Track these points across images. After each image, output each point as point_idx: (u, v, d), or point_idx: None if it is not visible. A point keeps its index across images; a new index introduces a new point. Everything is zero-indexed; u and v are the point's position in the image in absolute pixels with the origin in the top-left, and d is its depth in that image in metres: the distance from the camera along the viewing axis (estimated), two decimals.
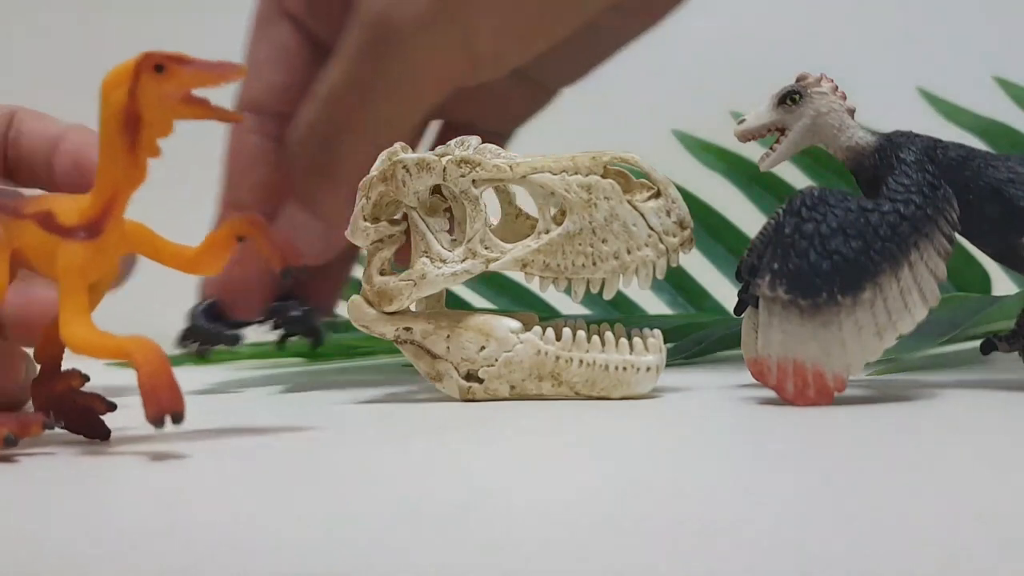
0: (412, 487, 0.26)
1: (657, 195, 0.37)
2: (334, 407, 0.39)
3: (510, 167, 0.37)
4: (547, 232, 0.37)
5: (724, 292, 0.62)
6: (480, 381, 0.38)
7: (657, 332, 0.38)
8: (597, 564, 0.19)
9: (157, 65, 0.29)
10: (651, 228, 0.37)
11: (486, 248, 0.37)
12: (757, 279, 0.35)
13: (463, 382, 0.38)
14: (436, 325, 0.38)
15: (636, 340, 0.37)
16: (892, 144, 0.35)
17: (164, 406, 0.28)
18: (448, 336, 0.38)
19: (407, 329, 0.38)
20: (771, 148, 0.36)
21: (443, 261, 0.37)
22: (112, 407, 0.33)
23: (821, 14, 0.85)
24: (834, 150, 0.36)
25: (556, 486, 0.25)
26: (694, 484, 0.25)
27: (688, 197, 0.64)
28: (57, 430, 0.32)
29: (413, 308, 0.39)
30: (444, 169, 0.37)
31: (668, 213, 0.37)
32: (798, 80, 0.36)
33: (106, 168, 0.31)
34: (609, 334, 0.38)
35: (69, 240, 0.31)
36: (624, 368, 0.37)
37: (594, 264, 0.37)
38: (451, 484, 0.26)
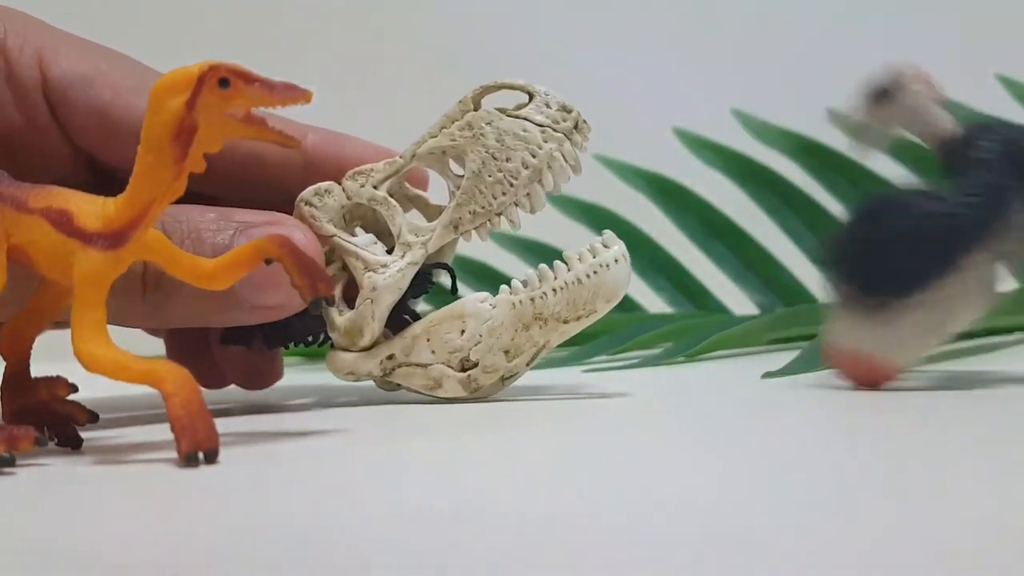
0: (412, 490, 0.25)
1: (530, 98, 0.38)
2: (334, 408, 0.39)
3: (399, 156, 0.38)
4: (458, 189, 0.38)
5: (724, 290, 0.62)
6: (475, 364, 0.37)
7: (607, 232, 0.37)
8: (598, 566, 0.19)
9: (222, 79, 0.27)
10: (539, 125, 0.37)
11: (416, 235, 0.38)
12: (834, 275, 0.37)
13: (460, 374, 0.37)
14: (411, 335, 0.38)
15: (595, 245, 0.37)
16: (971, 139, 0.36)
17: (200, 441, 0.27)
18: (428, 340, 0.38)
19: (390, 357, 0.38)
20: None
21: (385, 266, 0.37)
22: (95, 418, 0.31)
23: (823, 13, 0.85)
24: (924, 140, 0.37)
25: (559, 491, 0.25)
26: (694, 484, 0.25)
27: (688, 194, 0.65)
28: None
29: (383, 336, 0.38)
30: (344, 189, 0.38)
31: (547, 105, 0.37)
32: (888, 74, 0.37)
33: (146, 176, 0.28)
34: (566, 253, 0.38)
35: (89, 247, 0.28)
36: (595, 272, 0.37)
37: (511, 185, 0.37)
38: (450, 486, 0.26)
